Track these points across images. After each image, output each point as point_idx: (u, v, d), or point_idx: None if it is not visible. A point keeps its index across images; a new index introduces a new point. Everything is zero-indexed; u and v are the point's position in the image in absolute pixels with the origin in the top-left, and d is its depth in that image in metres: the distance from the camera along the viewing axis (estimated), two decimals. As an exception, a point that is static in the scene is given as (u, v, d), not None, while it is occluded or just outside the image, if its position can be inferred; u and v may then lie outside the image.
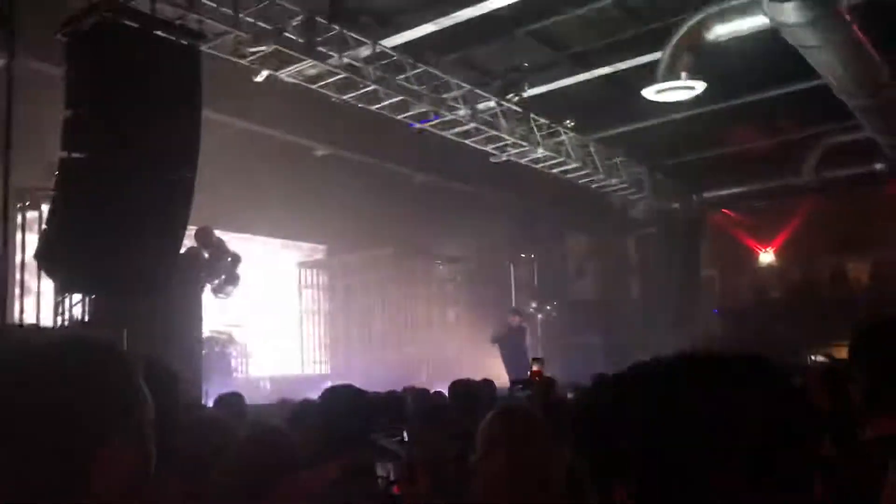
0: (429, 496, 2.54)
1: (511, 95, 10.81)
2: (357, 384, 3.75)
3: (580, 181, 13.06)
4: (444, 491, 2.59)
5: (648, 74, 8.97)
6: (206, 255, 9.19)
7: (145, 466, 1.18)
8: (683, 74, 8.52)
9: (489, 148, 11.39)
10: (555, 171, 12.47)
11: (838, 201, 15.01)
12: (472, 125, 10.64)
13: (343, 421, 2.69)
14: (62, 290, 7.38)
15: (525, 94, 10.90)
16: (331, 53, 8.68)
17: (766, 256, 16.67)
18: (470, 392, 4.87)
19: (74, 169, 6.34)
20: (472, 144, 11.18)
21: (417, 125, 10.28)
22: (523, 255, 16.84)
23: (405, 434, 3.22)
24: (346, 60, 8.80)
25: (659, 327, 14.40)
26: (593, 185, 13.41)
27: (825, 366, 5.33)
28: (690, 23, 8.43)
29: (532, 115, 11.27)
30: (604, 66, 10.54)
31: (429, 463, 2.50)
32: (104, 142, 6.37)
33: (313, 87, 8.97)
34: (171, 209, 6.82)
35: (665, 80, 8.57)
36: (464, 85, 10.23)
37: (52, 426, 1.09)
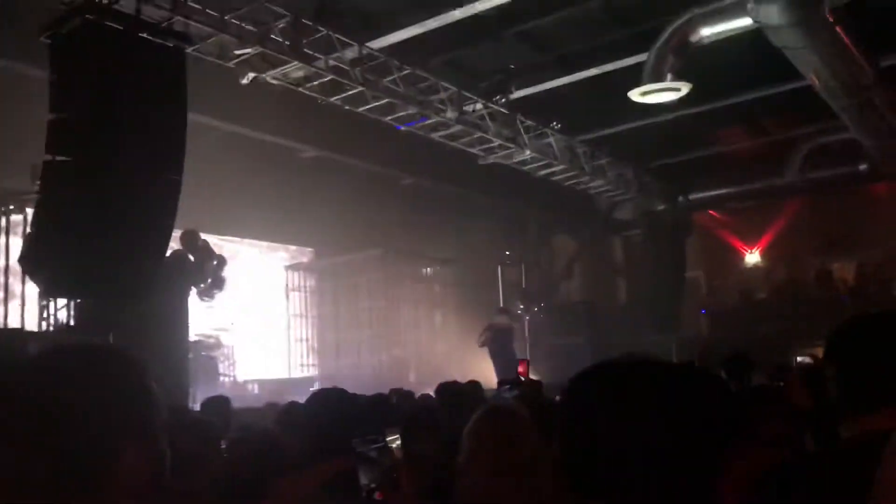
0: (413, 500, 2.54)
1: (498, 97, 10.82)
2: (344, 387, 3.75)
3: (567, 183, 13.10)
4: (429, 494, 2.58)
5: (634, 76, 9.00)
6: (192, 259, 9.15)
7: (161, 468, 1.23)
8: (669, 76, 8.55)
9: (476, 150, 11.40)
10: (541, 172, 12.49)
11: (823, 202, 15.13)
12: (459, 127, 10.64)
13: (329, 425, 2.69)
14: (46, 293, 7.33)
15: (512, 96, 10.92)
16: (317, 55, 8.66)
17: (752, 257, 16.78)
18: (457, 394, 4.87)
19: (59, 172, 6.30)
20: (459, 146, 11.19)
21: (404, 127, 10.28)
22: (510, 257, 16.85)
23: (391, 437, 3.21)
24: (332, 62, 8.78)
25: (645, 328, 14.45)
26: (580, 187, 13.45)
27: (806, 365, 5.38)
28: (675, 25, 8.47)
29: (519, 117, 11.29)
30: (590, 67, 10.58)
31: (415, 466, 2.50)
32: (89, 145, 6.33)
33: (299, 89, 8.95)
34: (157, 212, 6.79)
35: (650, 81, 8.60)
36: (450, 87, 10.23)
37: (72, 431, 1.13)
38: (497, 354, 13.60)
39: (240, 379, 12.61)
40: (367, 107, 9.58)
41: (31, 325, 8.22)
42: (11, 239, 9.24)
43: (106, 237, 6.32)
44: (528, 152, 11.64)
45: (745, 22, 8.05)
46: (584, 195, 14.08)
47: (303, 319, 15.13)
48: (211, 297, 9.44)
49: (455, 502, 2.35)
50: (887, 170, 12.81)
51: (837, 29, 8.31)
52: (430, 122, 10.37)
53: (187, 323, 8.85)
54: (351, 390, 4.91)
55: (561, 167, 12.40)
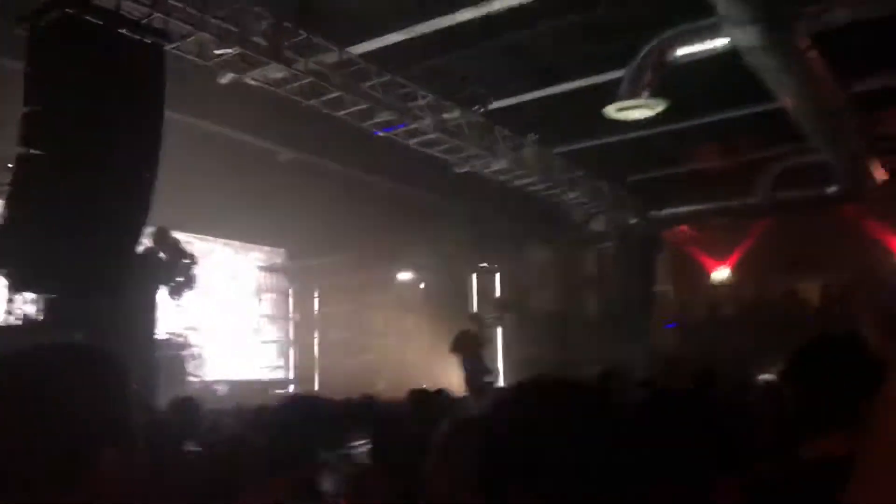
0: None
1: (476, 107, 10.88)
2: (314, 391, 3.77)
3: (542, 194, 13.19)
4: (397, 502, 2.60)
5: (611, 92, 9.09)
6: (164, 256, 9.09)
7: (140, 472, 1.23)
8: (644, 93, 8.65)
9: (452, 158, 11.45)
10: (517, 183, 12.57)
11: (792, 222, 15.36)
12: (437, 135, 10.69)
13: (296, 430, 2.70)
14: (15, 287, 7.25)
15: (490, 107, 10.99)
16: (297, 58, 8.66)
17: (721, 274, 16.97)
18: (426, 401, 4.90)
19: (32, 165, 6.25)
20: (436, 154, 11.23)
21: (382, 132, 10.30)
22: (484, 266, 16.91)
23: (359, 444, 3.23)
24: (312, 66, 8.79)
25: (615, 340, 14.57)
26: (554, 199, 13.55)
27: (768, 384, 5.47)
28: (652, 43, 8.58)
29: (496, 128, 11.36)
30: (568, 82, 10.66)
31: (382, 473, 2.51)
32: (63, 139, 6.29)
33: (278, 91, 8.95)
34: (130, 209, 6.76)
35: (626, 98, 8.70)
36: (429, 95, 10.28)
37: (51, 433, 1.12)
38: (467, 362, 13.62)
39: (208, 379, 12.52)
40: (346, 111, 9.60)
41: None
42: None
43: (77, 232, 6.28)
44: (504, 162, 11.71)
45: (720, 43, 8.18)
46: (558, 207, 14.19)
47: (274, 321, 15.08)
48: (181, 295, 9.39)
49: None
50: (855, 193, 13.06)
51: (811, 53, 8.48)
52: (407, 128, 10.41)
53: (155, 321, 8.79)
54: (320, 394, 4.92)
55: (536, 178, 12.49)
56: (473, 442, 2.27)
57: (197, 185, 10.72)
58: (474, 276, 16.76)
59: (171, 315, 10.17)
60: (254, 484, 2.44)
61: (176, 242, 9.16)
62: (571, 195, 13.46)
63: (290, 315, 15.22)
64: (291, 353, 15.05)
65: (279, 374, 14.63)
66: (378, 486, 2.66)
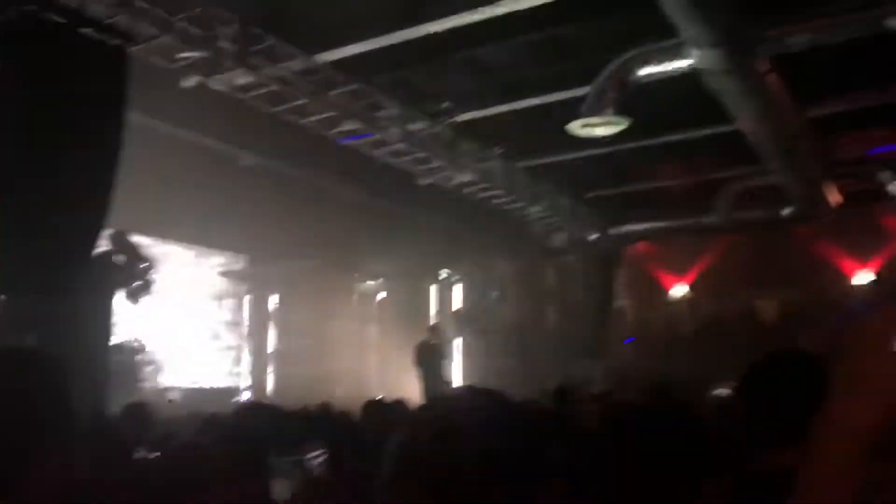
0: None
1: (441, 119, 10.93)
2: (271, 399, 3.74)
3: (505, 207, 13.27)
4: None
5: (576, 108, 9.20)
6: (120, 260, 8.94)
7: (78, 476, 1.22)
8: (608, 111, 8.76)
9: (417, 169, 11.48)
10: (481, 196, 12.64)
11: (749, 241, 15.66)
12: (402, 146, 10.71)
13: (250, 438, 2.69)
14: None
15: (456, 119, 11.04)
16: (263, 64, 8.63)
17: (679, 291, 17.21)
18: (382, 412, 4.89)
19: (-14, 164, 6.13)
20: (401, 165, 11.24)
21: (346, 141, 10.30)
22: (445, 276, 16.95)
23: (314, 453, 3.22)
24: (278, 72, 8.76)
25: (573, 354, 14.69)
26: (517, 213, 13.64)
27: (721, 398, 5.56)
28: (617, 62, 8.70)
29: (461, 141, 11.42)
30: (533, 97, 10.76)
31: (336, 483, 2.51)
32: (21, 139, 6.18)
33: (243, 96, 8.90)
34: (88, 211, 6.66)
35: (590, 115, 8.80)
36: (395, 105, 10.30)
37: None
38: (425, 373, 13.62)
39: (163, 386, 12.34)
40: (311, 119, 9.58)
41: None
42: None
43: (32, 234, 6.17)
44: (468, 175, 11.77)
45: (682, 64, 8.32)
46: (521, 220, 14.29)
47: (233, 327, 14.93)
48: (137, 300, 9.24)
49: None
50: (810, 215, 13.35)
51: (770, 77, 8.67)
52: (372, 138, 10.42)
53: (111, 326, 8.64)
54: (278, 403, 4.89)
55: (500, 192, 12.57)
56: (424, 453, 2.28)
57: (158, 189, 10.59)
58: (435, 287, 16.78)
59: (127, 319, 10.01)
60: (205, 491, 2.42)
61: (134, 246, 9.01)
62: (533, 209, 13.57)
63: (249, 322, 15.08)
64: (250, 360, 14.90)
65: (237, 382, 14.47)
66: (332, 495, 2.65)
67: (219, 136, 10.97)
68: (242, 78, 8.63)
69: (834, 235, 14.99)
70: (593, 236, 15.29)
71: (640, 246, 16.92)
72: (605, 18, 9.25)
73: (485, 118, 11.34)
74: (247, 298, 15.16)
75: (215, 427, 3.38)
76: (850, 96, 10.48)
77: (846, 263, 15.57)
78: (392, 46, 9.15)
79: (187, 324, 13.65)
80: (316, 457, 2.96)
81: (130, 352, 11.03)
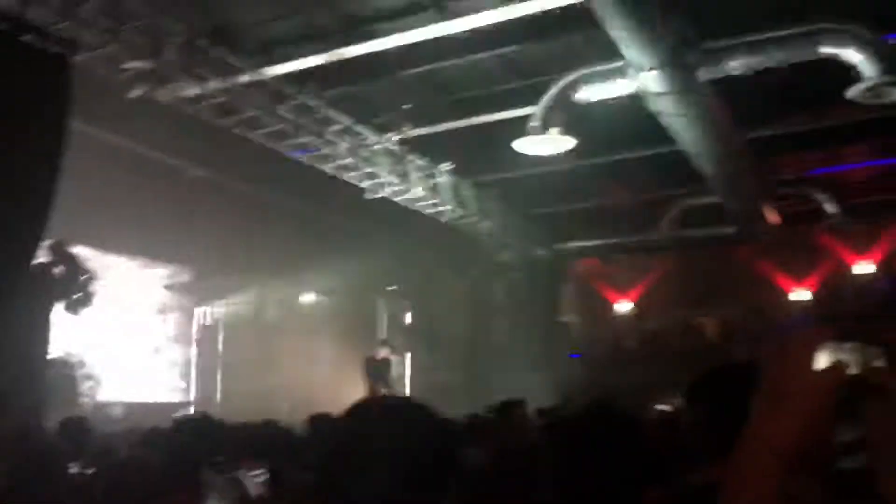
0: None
1: (391, 134, 10.96)
2: (216, 413, 3.70)
3: (454, 223, 13.34)
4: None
5: (523, 126, 9.32)
6: (60, 271, 8.74)
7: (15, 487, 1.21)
8: (554, 130, 8.89)
9: (365, 184, 11.48)
10: (430, 211, 12.68)
11: (691, 259, 16.00)
12: (351, 160, 10.70)
13: (187, 453, 2.66)
14: None
15: (405, 135, 11.09)
16: (211, 77, 8.56)
17: (624, 307, 17.47)
18: (328, 426, 4.86)
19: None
20: (350, 179, 11.23)
21: (295, 155, 10.26)
22: (394, 291, 16.93)
23: (253, 470, 3.20)
24: (226, 85, 8.70)
25: (519, 370, 14.77)
26: (466, 228, 13.72)
27: (661, 413, 5.67)
28: (563, 82, 8.84)
29: (410, 156, 11.46)
30: (482, 114, 10.86)
31: (274, 500, 2.50)
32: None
33: (190, 109, 8.81)
34: (28, 220, 6.51)
35: (537, 134, 8.92)
36: (344, 120, 10.30)
37: None
38: (373, 387, 13.56)
39: (103, 400, 12.04)
40: (259, 132, 9.52)
41: None
42: None
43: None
44: (417, 190, 11.81)
45: (627, 86, 8.51)
46: (469, 236, 14.37)
47: (176, 341, 14.66)
48: (77, 312, 9.03)
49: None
50: (750, 234, 13.71)
51: (710, 100, 8.91)
52: (321, 152, 10.39)
53: (48, 339, 8.43)
54: (221, 417, 4.83)
55: (449, 207, 12.63)
56: (359, 468, 2.30)
57: (101, 199, 10.40)
58: (383, 301, 16.75)
59: (66, 332, 9.78)
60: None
61: (74, 257, 8.82)
62: (482, 225, 13.66)
63: (194, 335, 14.83)
64: (194, 374, 14.65)
65: (181, 397, 14.21)
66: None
67: (165, 148, 10.83)
68: (190, 90, 8.55)
69: (773, 254, 15.41)
70: (541, 252, 15.45)
71: (587, 262, 17.15)
72: (554, 39, 9.42)
73: (434, 134, 11.40)
74: (191, 311, 14.92)
75: (153, 442, 3.34)
76: (788, 119, 10.82)
77: (784, 281, 16.01)
78: (343, 61, 9.17)
79: (130, 337, 13.36)
80: (255, 474, 2.95)
81: (69, 366, 10.78)
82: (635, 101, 8.77)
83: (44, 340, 8.30)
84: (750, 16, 8.71)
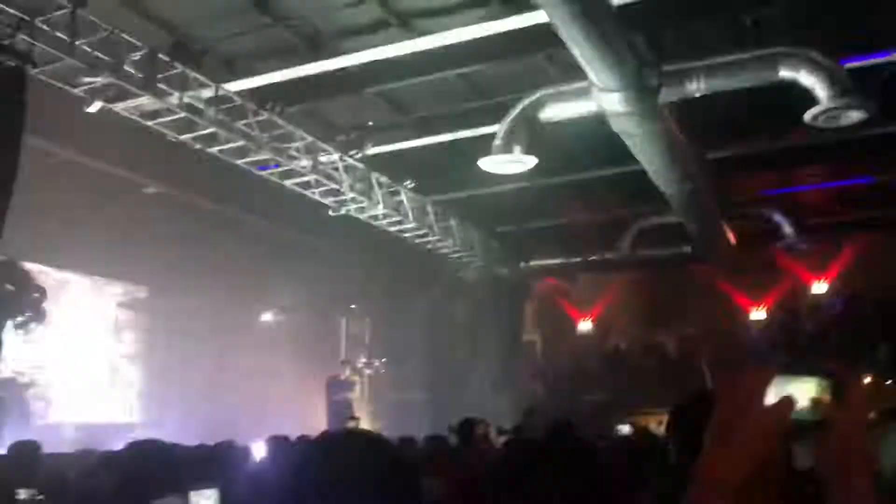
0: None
1: (354, 152, 10.94)
2: (172, 434, 3.61)
3: (416, 241, 13.32)
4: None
5: (486, 145, 9.36)
6: (9, 289, 8.55)
7: None
8: (517, 149, 8.93)
9: (328, 201, 11.42)
10: (393, 229, 12.66)
11: (650, 278, 16.18)
12: (313, 177, 10.65)
13: (137, 477, 2.59)
14: None
15: (368, 152, 11.07)
16: (171, 91, 8.47)
17: (585, 325, 17.59)
18: (284, 448, 4.80)
19: None
20: (312, 196, 11.17)
21: (256, 171, 10.18)
22: (355, 310, 16.83)
23: (204, 492, 3.13)
24: (186, 100, 8.61)
25: (482, 388, 14.77)
26: (428, 246, 13.71)
27: (623, 437, 5.69)
28: (526, 102, 8.90)
29: (373, 173, 11.44)
30: (445, 132, 10.91)
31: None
32: None
33: (150, 123, 8.70)
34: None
35: (500, 153, 8.96)
36: (307, 136, 10.25)
37: None
38: (333, 408, 13.46)
39: (55, 421, 11.76)
40: (219, 148, 9.43)
41: None
42: None
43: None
44: (380, 208, 11.78)
45: (589, 106, 8.58)
46: (432, 254, 14.36)
47: (132, 360, 14.39)
48: (28, 330, 8.84)
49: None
50: (708, 253, 13.90)
51: (670, 121, 9.04)
52: (282, 168, 10.33)
53: (-1, 358, 8.23)
54: (178, 438, 4.73)
55: (411, 225, 12.61)
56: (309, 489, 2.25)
57: (56, 215, 10.20)
58: (344, 319, 16.65)
59: (16, 351, 9.55)
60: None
61: (25, 274, 8.64)
62: (445, 243, 13.66)
63: (150, 354, 14.57)
64: (149, 394, 14.38)
65: (135, 418, 13.93)
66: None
67: (123, 164, 10.67)
68: (149, 105, 8.44)
69: (731, 273, 15.65)
70: (503, 270, 15.50)
71: (549, 281, 17.24)
72: (517, 58, 9.50)
73: (397, 152, 11.41)
74: (148, 330, 14.66)
75: (104, 466, 3.24)
76: (746, 141, 11.02)
77: (743, 300, 16.26)
78: (305, 78, 9.15)
79: (84, 357, 13.08)
80: (205, 496, 2.88)
81: (20, 386, 10.52)
82: (598, 121, 8.86)
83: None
84: (710, 40, 8.89)
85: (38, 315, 8.77)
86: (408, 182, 12.24)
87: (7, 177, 6.57)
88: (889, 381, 12.46)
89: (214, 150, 9.42)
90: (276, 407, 13.80)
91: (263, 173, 10.27)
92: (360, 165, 11.13)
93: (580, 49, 6.99)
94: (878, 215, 13.59)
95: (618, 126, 8.71)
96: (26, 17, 6.93)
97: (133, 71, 8.01)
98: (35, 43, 7.10)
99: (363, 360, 16.29)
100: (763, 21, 8.72)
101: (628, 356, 16.68)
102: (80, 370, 12.93)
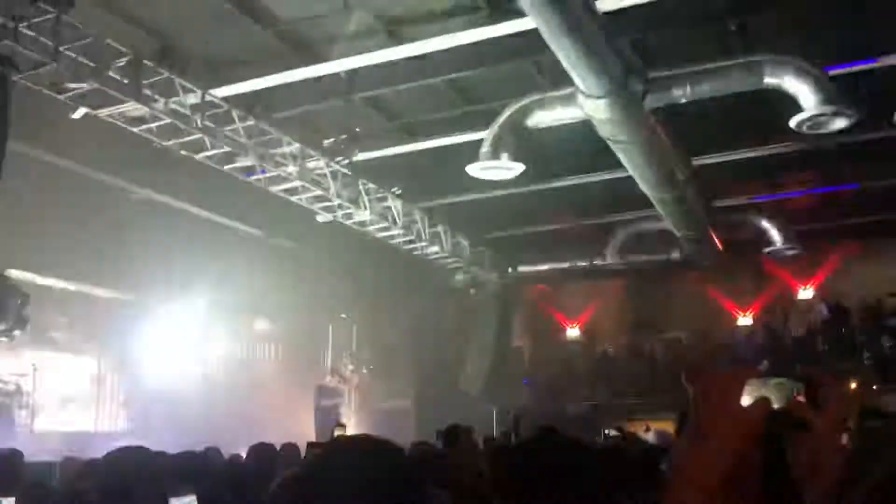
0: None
1: (341, 158, 10.91)
2: (158, 443, 3.58)
3: (404, 247, 13.30)
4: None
5: (474, 151, 9.37)
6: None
7: None
8: (504, 155, 8.94)
9: (316, 207, 11.40)
10: (380, 235, 12.63)
11: (638, 284, 16.22)
12: (300, 183, 10.62)
13: (120, 485, 2.57)
14: None
15: (355, 158, 11.05)
16: (156, 97, 8.43)
17: (573, 331, 17.60)
18: (269, 456, 4.77)
19: None
20: (300, 202, 11.14)
21: (242, 177, 10.14)
22: (343, 316, 16.79)
23: (185, 499, 3.11)
24: (172, 106, 8.57)
25: (471, 394, 14.76)
26: (416, 253, 13.69)
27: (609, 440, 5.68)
28: (514, 108, 8.91)
29: (361, 180, 11.42)
30: (432, 139, 10.90)
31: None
32: None
33: (135, 129, 8.66)
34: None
35: (487, 159, 8.96)
36: (293, 142, 10.23)
37: None
38: (321, 415, 13.41)
39: (39, 430, 11.64)
40: (206, 154, 9.40)
41: None
42: None
43: None
44: (367, 214, 11.76)
45: (576, 112, 8.60)
46: (420, 260, 14.34)
47: (117, 368, 14.27)
48: (11, 337, 8.75)
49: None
50: (695, 259, 13.94)
51: (657, 128, 9.06)
52: (269, 174, 10.30)
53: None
54: (164, 446, 4.69)
55: (399, 231, 12.60)
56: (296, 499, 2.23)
57: (37, 221, 10.12)
58: (331, 326, 16.60)
59: None
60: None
61: (7, 280, 8.56)
62: (433, 249, 13.65)
63: (136, 361, 14.45)
64: (134, 402, 14.25)
65: (120, 426, 13.80)
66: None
67: (108, 170, 10.61)
68: (134, 111, 8.40)
69: (718, 279, 15.71)
70: (491, 277, 15.49)
71: (538, 287, 17.25)
72: (504, 65, 9.52)
73: (384, 158, 11.40)
74: (134, 337, 14.54)
75: (85, 474, 3.22)
76: (732, 147, 11.07)
77: (730, 306, 16.32)
78: (291, 84, 9.12)
79: (68, 363, 12.97)
80: (185, 502, 2.86)
81: (2, 395, 10.42)
82: (584, 128, 8.88)
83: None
84: (696, 46, 8.93)
85: (20, 322, 8.69)
86: (395, 188, 12.22)
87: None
88: (874, 386, 12.53)
89: (201, 156, 9.39)
90: (263, 414, 13.73)
91: (250, 179, 10.24)
92: (348, 172, 11.10)
93: (566, 56, 7.00)
94: (863, 221, 13.68)
95: (604, 132, 8.73)
96: (10, 23, 6.88)
97: (118, 77, 7.97)
98: (19, 48, 7.05)
99: (350, 367, 16.24)
100: (749, 28, 8.77)
101: (616, 362, 16.69)
102: (65, 378, 12.81)
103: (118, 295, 14.44)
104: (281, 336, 16.05)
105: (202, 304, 14.03)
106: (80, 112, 8.11)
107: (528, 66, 9.52)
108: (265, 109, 9.62)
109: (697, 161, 10.97)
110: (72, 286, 13.26)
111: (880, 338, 14.11)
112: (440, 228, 13.50)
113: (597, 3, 6.94)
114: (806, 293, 15.87)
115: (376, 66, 8.79)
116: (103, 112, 8.25)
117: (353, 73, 9.05)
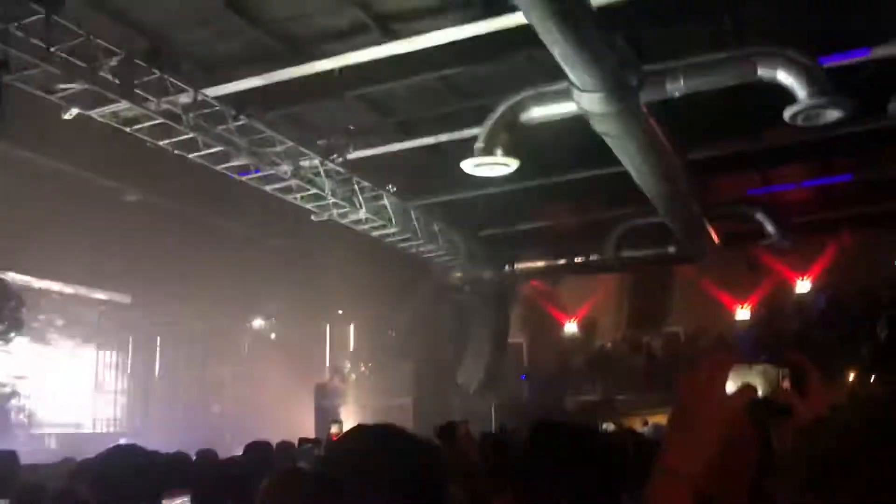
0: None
1: (335, 156, 10.88)
2: (156, 443, 3.56)
3: (400, 245, 13.28)
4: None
5: (468, 148, 9.34)
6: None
7: None
8: (499, 151, 8.92)
9: (311, 206, 11.37)
10: (376, 233, 12.61)
11: (635, 278, 16.22)
12: (294, 182, 10.59)
13: (114, 484, 2.55)
14: None
15: (349, 156, 11.01)
16: (149, 97, 8.40)
17: (570, 327, 17.59)
18: (264, 455, 4.75)
19: None
20: (294, 201, 11.11)
21: (236, 176, 10.11)
22: (341, 316, 16.77)
23: (178, 500, 3.09)
24: (164, 106, 8.54)
25: (469, 390, 14.75)
26: (412, 250, 13.67)
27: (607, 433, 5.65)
28: (508, 103, 8.89)
29: (355, 178, 11.39)
30: (427, 136, 10.87)
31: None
32: None
33: (128, 129, 8.62)
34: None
35: (482, 155, 8.94)
36: (287, 141, 10.19)
37: None
38: (320, 414, 13.40)
39: (36, 431, 11.63)
40: (199, 154, 9.37)
41: None
42: None
43: None
44: (363, 212, 11.73)
45: (570, 107, 8.57)
46: (416, 258, 14.33)
47: (115, 369, 14.26)
48: (7, 339, 8.74)
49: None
50: (692, 253, 13.93)
51: (651, 121, 9.04)
52: (263, 174, 10.26)
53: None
54: (162, 447, 4.68)
55: (395, 230, 12.57)
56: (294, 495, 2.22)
57: (32, 223, 10.09)
58: (329, 325, 16.58)
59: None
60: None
61: (2, 282, 8.54)
62: (429, 247, 13.63)
63: (133, 363, 14.45)
64: (132, 403, 14.25)
65: (117, 427, 13.80)
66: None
67: (102, 171, 10.58)
68: (127, 111, 8.36)
69: (715, 273, 15.70)
70: (488, 274, 15.48)
71: (534, 283, 17.24)
72: (498, 60, 9.49)
73: (378, 156, 11.36)
74: (131, 338, 14.54)
75: (79, 473, 3.20)
76: (727, 140, 11.06)
77: (727, 299, 16.31)
78: (284, 82, 9.08)
79: (66, 365, 12.95)
80: (178, 501, 2.85)
81: (0, 397, 10.41)
82: (579, 122, 8.86)
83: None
84: (689, 40, 8.91)
85: (16, 324, 8.67)
86: (390, 186, 12.20)
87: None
88: (872, 378, 12.53)
89: (194, 155, 9.35)
90: (262, 414, 13.74)
91: (244, 178, 10.20)
92: (342, 170, 11.07)
93: (560, 50, 6.97)
94: (859, 213, 13.69)
95: (599, 127, 8.70)
96: (0, 23, 6.84)
97: (110, 77, 7.93)
98: (9, 49, 7.02)
99: (348, 365, 16.22)
100: (742, 21, 8.76)
101: (614, 357, 16.69)
102: (63, 379, 12.80)
103: (115, 296, 14.42)
104: (279, 335, 16.04)
105: (199, 304, 14.02)
106: (72, 113, 8.07)
107: (522, 61, 9.48)
108: (258, 108, 9.59)
109: (692, 155, 10.96)
110: (68, 289, 13.24)
111: (877, 328, 14.11)
112: (436, 226, 13.48)
113: (589, -3, 6.91)
114: (803, 285, 15.87)
115: (369, 63, 8.76)
116: (95, 112, 8.21)
117: (346, 70, 9.01)
